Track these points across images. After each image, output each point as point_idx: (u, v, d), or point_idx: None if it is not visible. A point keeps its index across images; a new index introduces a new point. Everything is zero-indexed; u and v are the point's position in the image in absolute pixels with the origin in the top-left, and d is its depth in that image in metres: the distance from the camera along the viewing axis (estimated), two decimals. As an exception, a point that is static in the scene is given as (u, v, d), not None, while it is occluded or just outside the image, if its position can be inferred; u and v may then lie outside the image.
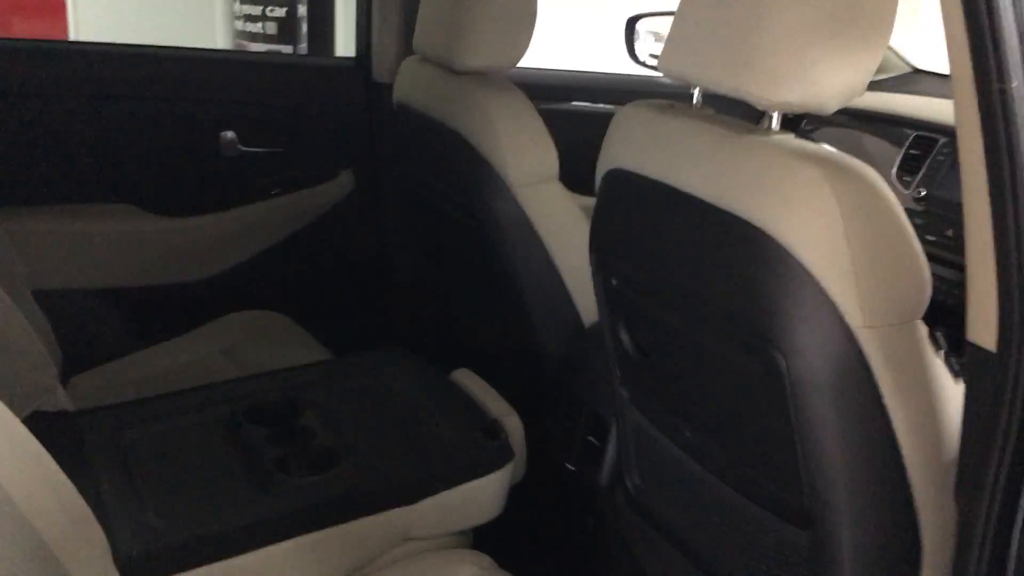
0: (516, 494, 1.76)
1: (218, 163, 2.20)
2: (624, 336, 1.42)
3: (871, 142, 2.09)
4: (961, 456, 1.03)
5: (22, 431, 1.09)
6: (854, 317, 1.03)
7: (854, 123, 2.13)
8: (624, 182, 1.30)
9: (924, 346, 1.09)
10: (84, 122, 2.10)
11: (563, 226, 1.77)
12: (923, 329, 1.09)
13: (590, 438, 1.71)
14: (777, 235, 1.04)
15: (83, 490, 1.17)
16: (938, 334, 1.12)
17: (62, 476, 1.13)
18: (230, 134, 2.18)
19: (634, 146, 1.28)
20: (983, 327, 0.94)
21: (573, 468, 1.73)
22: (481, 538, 1.63)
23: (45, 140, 2.07)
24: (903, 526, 1.12)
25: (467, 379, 1.76)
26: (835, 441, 1.08)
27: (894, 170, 1.93)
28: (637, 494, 1.53)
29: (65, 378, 1.93)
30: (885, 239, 1.03)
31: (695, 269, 1.19)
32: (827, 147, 1.11)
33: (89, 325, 2.15)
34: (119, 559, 1.24)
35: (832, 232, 1.01)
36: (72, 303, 2.12)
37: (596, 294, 1.45)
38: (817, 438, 1.09)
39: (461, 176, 1.79)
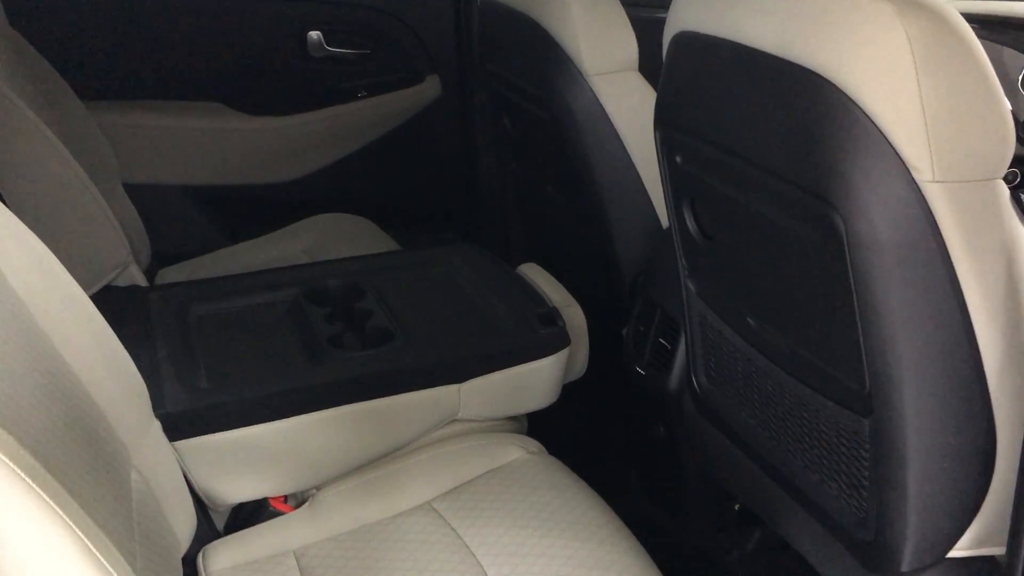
0: (585, 397, 1.72)
1: (305, 63, 2.20)
2: (689, 219, 1.36)
3: (1008, 55, 1.92)
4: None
5: (83, 299, 1.12)
6: (923, 172, 0.94)
7: (985, 32, 1.96)
8: (689, 46, 1.24)
9: (1004, 208, 0.98)
10: (174, 19, 2.13)
11: (642, 119, 1.70)
12: (1004, 190, 0.98)
13: (661, 340, 1.66)
14: (839, 81, 0.95)
15: (140, 357, 1.20)
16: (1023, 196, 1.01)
17: (122, 352, 1.17)
18: (316, 34, 2.17)
19: (698, 4, 1.20)
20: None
21: (643, 372, 1.68)
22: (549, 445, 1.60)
23: (136, 36, 2.12)
24: (974, 412, 1.03)
25: (533, 272, 1.72)
26: (898, 313, 0.99)
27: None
28: (703, 394, 1.48)
29: (153, 271, 1.99)
30: (962, 84, 0.93)
31: (757, 131, 1.11)
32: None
33: (178, 221, 2.21)
34: (164, 416, 1.26)
35: (901, 74, 0.91)
36: (162, 198, 2.18)
37: (661, 175, 1.39)
38: (879, 310, 1.00)
39: (537, 66, 1.74)
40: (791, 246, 1.12)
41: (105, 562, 0.75)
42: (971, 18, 1.75)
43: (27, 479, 0.72)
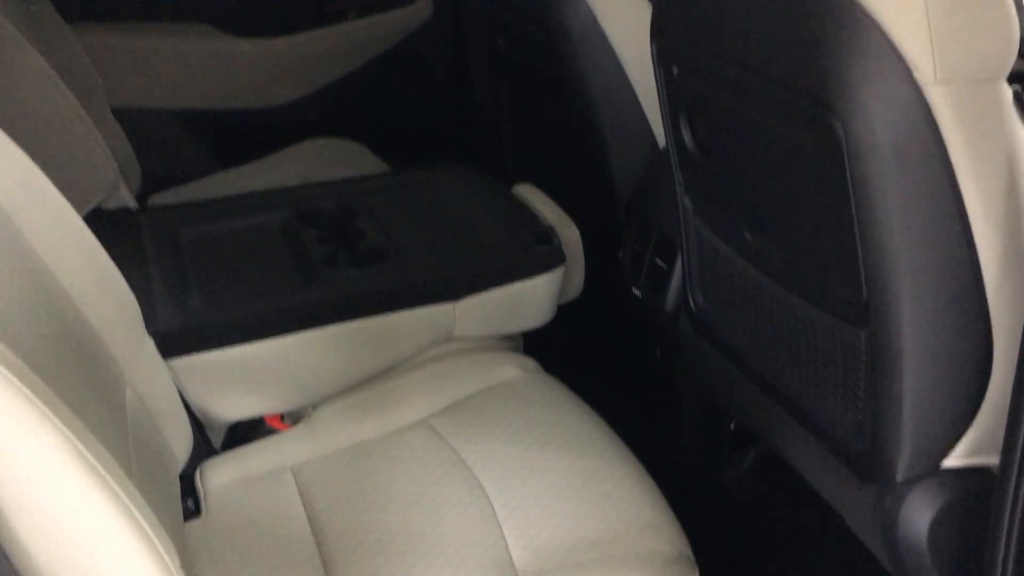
0: (581, 319, 1.72)
1: (293, -18, 2.15)
2: (685, 132, 1.34)
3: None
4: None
5: (79, 223, 1.12)
6: (924, 71, 0.92)
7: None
8: (686, -49, 1.20)
9: (1007, 112, 0.96)
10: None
11: (639, 38, 1.66)
12: (1007, 93, 0.96)
13: (658, 261, 1.65)
14: None
15: (135, 277, 1.19)
16: (1026, 99, 0.99)
17: (112, 267, 1.16)
18: (304, -48, 2.12)
19: None
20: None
21: (639, 294, 1.68)
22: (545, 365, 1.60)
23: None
24: (971, 320, 1.02)
25: (528, 192, 1.70)
26: (896, 219, 0.98)
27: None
28: (700, 313, 1.48)
29: (143, 197, 1.97)
30: (965, -23, 0.90)
31: (755, 35, 1.09)
32: None
33: (167, 146, 2.19)
34: (158, 334, 1.25)
35: None
36: (151, 123, 2.15)
37: (657, 89, 1.37)
38: (877, 216, 0.99)
39: (533, -19, 1.70)
40: (789, 155, 1.11)
41: (96, 464, 0.75)
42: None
43: (18, 383, 0.72)
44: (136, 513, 0.77)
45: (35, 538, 0.74)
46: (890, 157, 0.95)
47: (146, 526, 0.78)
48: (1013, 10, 0.93)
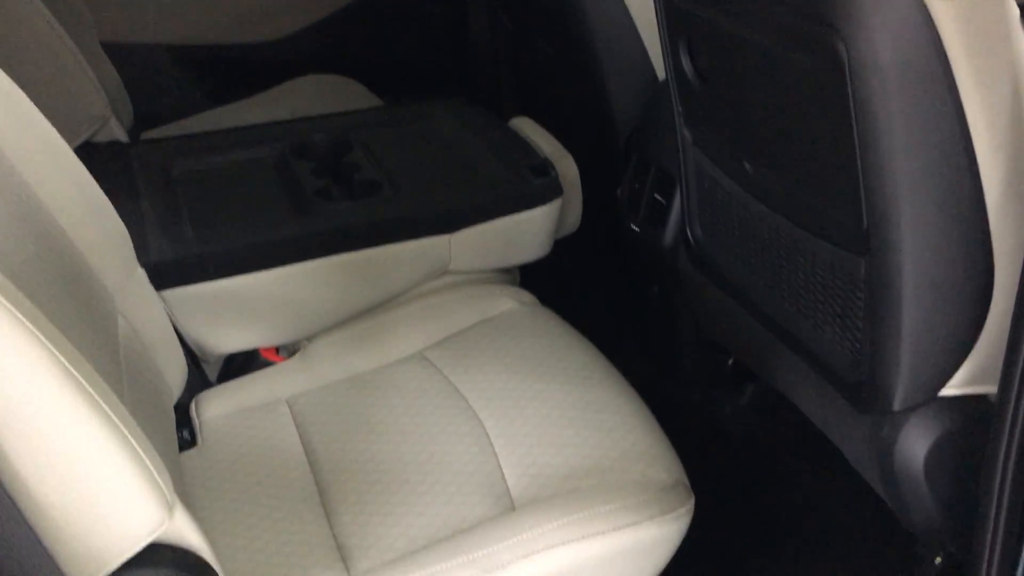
0: (579, 254, 1.70)
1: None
2: (685, 60, 1.32)
3: None
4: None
5: (68, 154, 1.11)
6: (927, -15, 0.89)
7: None
8: None
9: (1014, 29, 0.93)
10: None
11: (639, -33, 1.63)
12: (1014, 9, 0.93)
13: (656, 195, 1.63)
14: None
15: (125, 209, 1.18)
16: (1035, 17, 0.96)
17: (103, 198, 1.15)
18: None
19: None
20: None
21: (638, 230, 1.66)
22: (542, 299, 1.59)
23: None
24: (973, 246, 1.00)
25: (525, 125, 1.68)
26: (899, 141, 0.96)
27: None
28: (698, 247, 1.47)
29: (135, 134, 1.95)
30: None
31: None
32: None
33: (160, 82, 2.16)
34: (150, 265, 1.24)
35: None
36: (142, 58, 2.12)
37: (656, 16, 1.34)
38: (879, 139, 0.97)
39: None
40: (790, 79, 1.08)
41: (85, 382, 0.74)
42: None
43: (3, 300, 0.71)
44: (126, 432, 0.77)
45: (25, 459, 0.73)
46: (893, 77, 0.92)
47: (137, 446, 0.78)
48: (1023, -80, 0.91)
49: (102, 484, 0.76)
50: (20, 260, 0.87)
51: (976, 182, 0.97)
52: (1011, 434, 0.98)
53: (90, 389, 0.75)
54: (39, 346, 0.72)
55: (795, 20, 1.01)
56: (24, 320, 0.72)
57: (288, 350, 1.43)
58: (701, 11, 1.22)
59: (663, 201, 1.61)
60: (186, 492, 1.14)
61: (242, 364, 1.41)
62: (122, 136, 1.69)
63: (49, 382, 0.72)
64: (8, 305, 0.71)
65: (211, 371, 1.44)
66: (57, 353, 0.73)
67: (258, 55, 2.21)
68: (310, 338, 1.39)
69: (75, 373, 0.74)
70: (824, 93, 1.01)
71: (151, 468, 0.79)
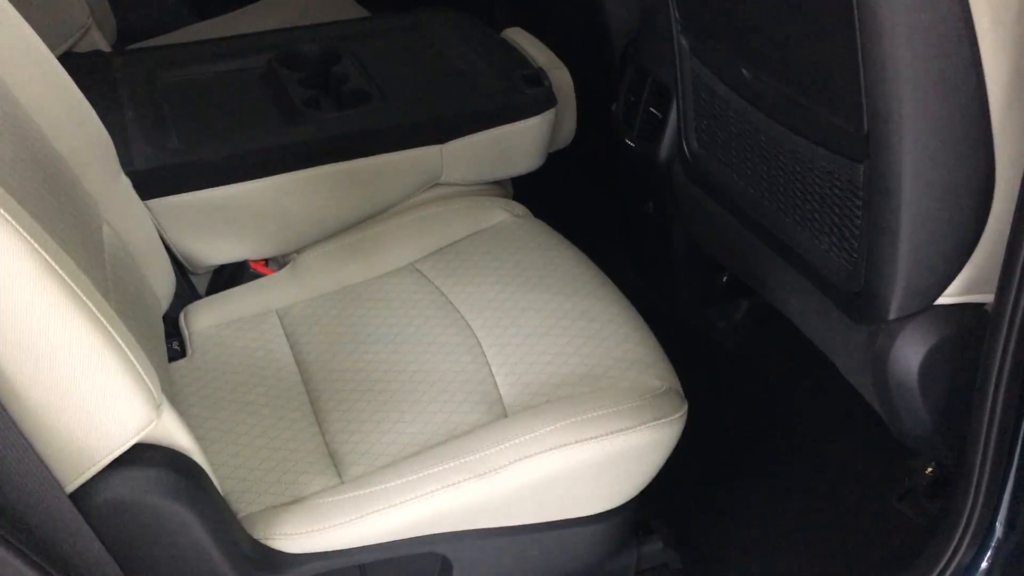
0: (573, 168, 1.68)
1: None
2: (684, -38, 1.28)
3: None
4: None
5: (51, 60, 1.08)
6: None
7: None
8: None
9: (1025, -79, 0.90)
10: None
11: None
12: (1026, -100, 0.90)
13: (652, 110, 1.60)
14: None
15: (108, 118, 1.16)
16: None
17: (85, 104, 1.13)
18: None
19: None
20: None
21: (633, 144, 1.64)
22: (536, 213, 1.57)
23: None
24: (974, 150, 0.99)
25: (518, 36, 1.64)
26: (902, 42, 0.93)
27: None
28: (694, 160, 1.45)
29: (119, 47, 1.91)
30: None
31: None
32: None
33: (141, -5, 2.10)
34: (134, 174, 1.21)
35: None
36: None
37: (655, -84, 1.30)
38: (882, 39, 0.94)
39: None
40: (792, -21, 1.06)
41: (68, 279, 0.73)
42: None
43: None
44: (111, 329, 0.76)
45: (8, 357, 0.72)
46: (898, -30, 0.90)
47: (123, 344, 0.77)
48: None
49: (88, 381, 0.75)
50: (5, 161, 0.85)
51: (980, 81, 0.95)
52: (1007, 342, 0.97)
53: (73, 286, 0.74)
54: (21, 241, 0.70)
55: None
56: (6, 215, 0.70)
57: (278, 263, 1.41)
58: (701, -90, 1.19)
59: (659, 115, 1.59)
60: (177, 401, 1.13)
61: (231, 276, 1.39)
62: (104, 47, 1.65)
63: (32, 277, 0.70)
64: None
65: (200, 283, 1.43)
66: (40, 249, 0.71)
67: (244, -34, 2.14)
68: (300, 250, 1.38)
69: (58, 270, 0.73)
70: (827, -7, 0.98)
71: (137, 366, 0.78)
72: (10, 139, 0.91)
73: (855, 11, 0.95)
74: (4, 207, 0.70)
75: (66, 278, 0.73)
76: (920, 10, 0.91)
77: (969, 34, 0.93)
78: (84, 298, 0.74)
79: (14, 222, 0.70)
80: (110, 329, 0.75)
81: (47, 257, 0.71)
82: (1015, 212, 0.93)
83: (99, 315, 0.75)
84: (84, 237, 0.97)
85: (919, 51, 0.94)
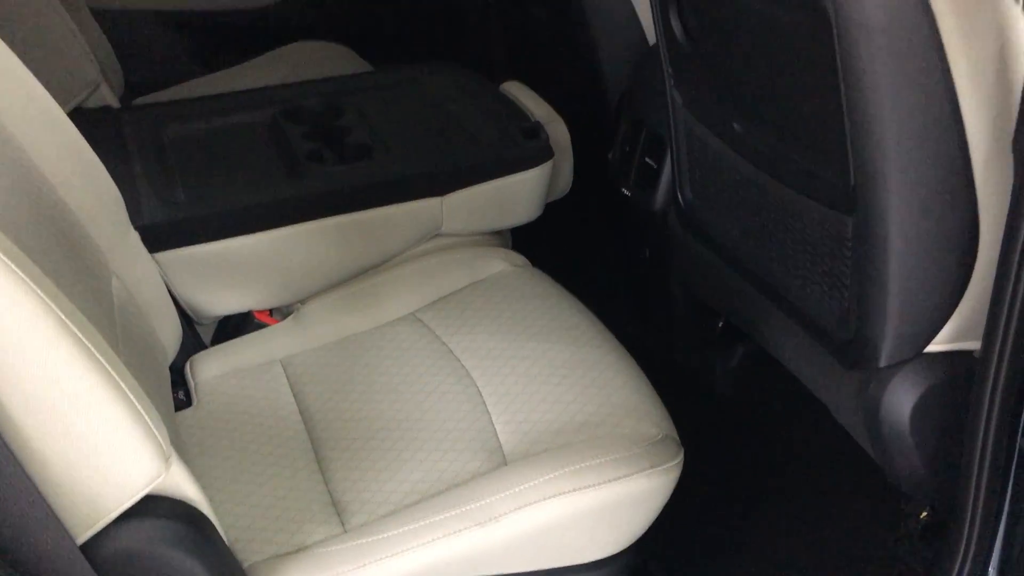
0: (571, 218, 1.71)
1: None
2: (675, 20, 1.32)
3: None
4: (1023, 104, 0.91)
5: (62, 118, 1.12)
6: (917, -56, 0.90)
7: None
8: None
9: (1001, -11, 0.94)
10: None
11: (630, -70, 1.63)
12: (1001, -32, 0.94)
13: (647, 160, 1.64)
14: None
15: (118, 173, 1.19)
16: (1020, -26, 0.97)
17: (96, 161, 1.16)
18: None
19: None
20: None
21: (629, 193, 1.67)
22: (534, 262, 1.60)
23: None
24: (958, 202, 1.02)
25: (516, 89, 1.69)
26: (886, 99, 0.97)
27: None
28: (688, 210, 1.48)
29: (126, 101, 1.95)
30: None
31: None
32: None
33: (150, 48, 2.16)
34: (142, 227, 1.25)
35: None
36: (133, 25, 2.11)
37: (647, -24, 1.34)
38: (867, 97, 0.98)
39: None
40: (779, 39, 1.09)
41: (80, 333, 0.75)
42: None
43: (3, 257, 0.72)
44: (122, 384, 0.78)
45: (23, 411, 0.74)
46: (881, 38, 0.93)
47: (133, 398, 0.79)
48: None
49: (99, 435, 0.78)
50: (16, 219, 0.88)
51: (962, 139, 0.98)
52: (993, 390, 0.99)
53: (86, 342, 0.76)
54: (35, 299, 0.73)
55: (783, -22, 1.02)
56: (20, 273, 0.72)
57: (282, 312, 1.44)
58: (691, -29, 1.23)
59: (654, 165, 1.63)
60: (183, 451, 1.15)
61: (236, 326, 1.42)
62: (113, 102, 1.69)
63: (46, 334, 0.73)
64: (5, 259, 0.72)
65: (205, 333, 1.45)
66: (53, 306, 0.74)
67: (248, 21, 2.20)
68: (303, 300, 1.40)
69: (71, 326, 0.75)
70: (812, 51, 1.02)
71: (147, 420, 0.80)
72: (24, 196, 0.94)
73: (839, 70, 0.99)
74: (20, 266, 0.73)
75: (79, 335, 0.75)
76: (902, 71, 0.95)
77: (949, 93, 0.96)
78: (97, 354, 0.76)
79: (30, 281, 0.73)
80: (122, 384, 0.78)
81: (61, 315, 0.74)
82: (998, 262, 0.95)
83: (111, 370, 0.77)
84: (94, 291, 1.00)
85: (902, 109, 0.97)
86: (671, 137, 1.47)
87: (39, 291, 0.73)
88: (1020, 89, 0.93)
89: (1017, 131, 0.93)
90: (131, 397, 0.79)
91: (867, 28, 0.94)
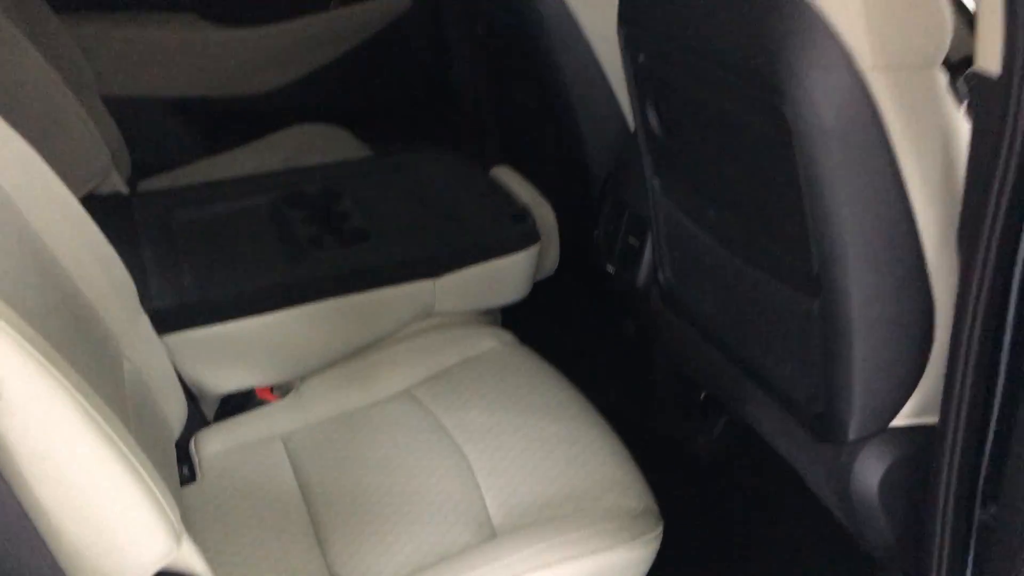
0: (557, 295, 1.78)
1: (277, -27, 2.21)
2: (652, 116, 1.41)
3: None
4: (964, 200, 0.99)
5: (75, 206, 1.17)
6: (863, 57, 0.98)
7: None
8: (651, -56, 1.27)
9: (941, 95, 1.03)
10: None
11: (609, 24, 1.72)
12: (942, 77, 1.03)
13: (630, 239, 1.71)
14: None
15: (128, 258, 1.25)
16: (960, 84, 1.06)
17: (108, 247, 1.22)
18: (288, -55, 2.18)
19: None
20: (989, 50, 0.88)
21: (613, 271, 1.75)
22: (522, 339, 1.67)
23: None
24: (914, 288, 1.09)
25: (505, 174, 1.77)
26: (842, 195, 1.05)
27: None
28: (668, 288, 1.55)
29: (133, 182, 2.03)
30: (900, -25, 0.97)
31: (713, 26, 1.15)
32: None
33: (156, 133, 2.24)
34: (152, 311, 1.31)
35: None
36: (139, 111, 2.20)
37: (625, 74, 1.43)
38: (824, 193, 1.05)
39: (508, -24, 1.76)
40: (745, 137, 1.17)
41: (104, 423, 0.81)
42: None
43: (31, 349, 0.78)
44: (140, 468, 0.84)
45: (46, 490, 0.79)
46: (835, 139, 1.01)
47: (149, 481, 0.85)
48: (944, 2, 1.00)
49: (117, 515, 0.83)
50: (37, 306, 0.94)
51: (913, 230, 1.06)
52: (951, 462, 1.04)
53: (105, 425, 0.82)
54: (63, 391, 0.79)
55: (746, 84, 1.11)
56: (48, 364, 0.78)
57: (282, 389, 1.50)
58: (665, 72, 1.32)
59: (636, 243, 1.69)
60: (188, 525, 1.20)
61: (238, 403, 1.48)
62: (122, 188, 1.77)
63: (69, 419, 0.78)
64: (31, 350, 0.78)
65: (208, 409, 1.51)
66: (81, 399, 0.80)
67: (250, 106, 2.30)
68: (303, 378, 1.47)
69: (91, 410, 0.81)
70: (774, 150, 1.10)
71: (161, 500, 0.86)
72: (43, 283, 1.00)
73: (799, 168, 1.07)
74: (49, 359, 0.79)
75: (99, 418, 0.81)
76: (856, 171, 1.03)
77: (900, 190, 1.04)
78: (115, 437, 0.82)
79: (53, 369, 0.79)
80: (137, 465, 0.84)
81: (83, 400, 0.80)
82: (950, 343, 1.02)
83: (127, 452, 0.83)
84: (108, 373, 1.06)
85: (857, 204, 1.05)
86: (652, 220, 1.55)
87: (63, 378, 0.79)
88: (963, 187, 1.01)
89: (960, 226, 1.01)
90: (145, 477, 0.84)
91: (823, 132, 1.02)
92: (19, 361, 0.76)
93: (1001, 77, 0.87)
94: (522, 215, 1.62)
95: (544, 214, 1.67)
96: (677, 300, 1.53)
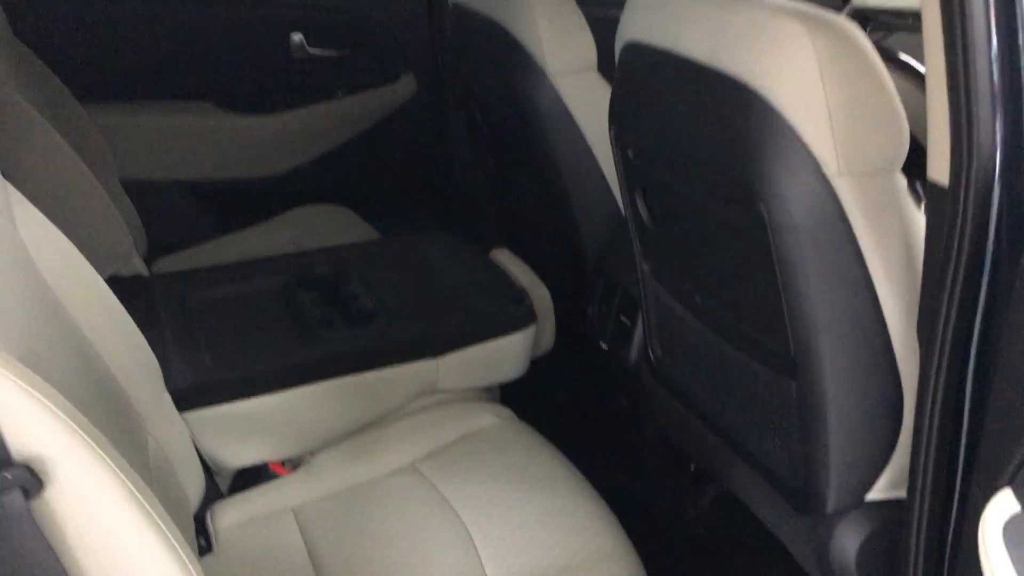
0: (553, 371, 1.86)
1: (288, 64, 2.33)
2: (641, 207, 1.49)
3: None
4: (921, 297, 1.07)
5: (105, 289, 1.23)
6: (830, 165, 1.08)
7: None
8: (637, 55, 1.37)
9: (901, 196, 1.12)
10: (167, 24, 2.25)
11: (602, 116, 1.83)
12: (902, 180, 1.13)
13: (622, 318, 1.79)
14: (760, 89, 1.09)
15: (150, 338, 1.31)
16: (919, 186, 1.16)
17: (135, 330, 1.28)
18: (298, 36, 2.30)
19: (646, 17, 1.34)
20: (939, 163, 0.98)
21: (606, 347, 1.83)
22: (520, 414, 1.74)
23: (129, 42, 2.24)
24: (883, 373, 1.16)
25: (504, 257, 1.86)
26: (814, 285, 1.13)
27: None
28: (659, 365, 1.62)
29: (150, 261, 2.12)
30: (862, 89, 1.07)
31: (694, 132, 1.25)
32: (815, 7, 1.15)
33: (172, 214, 2.33)
34: (173, 390, 1.39)
35: (809, 80, 1.05)
36: (156, 193, 2.29)
37: (616, 167, 1.52)
38: (798, 283, 1.14)
39: (505, 68, 1.87)
40: (726, 230, 1.26)
41: (143, 500, 0.88)
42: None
43: (82, 434, 0.85)
44: (176, 546, 0.91)
45: (95, 567, 0.85)
46: (806, 236, 1.10)
47: (184, 557, 0.92)
48: (902, 111, 1.11)
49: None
50: (78, 389, 1.01)
51: (880, 318, 1.14)
52: (918, 535, 1.10)
53: (147, 506, 0.87)
54: (109, 472, 0.85)
55: (726, 184, 1.20)
56: (95, 446, 0.84)
57: (293, 463, 1.57)
58: (652, 168, 1.41)
59: (628, 322, 1.77)
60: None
61: (252, 476, 1.55)
62: (143, 269, 1.86)
63: (116, 499, 0.83)
64: (81, 433, 0.85)
65: (223, 482, 1.58)
66: (123, 476, 0.86)
67: (261, 188, 2.40)
68: (313, 452, 1.54)
69: (135, 492, 0.87)
70: (752, 244, 1.18)
71: (194, 573, 0.92)
72: (83, 368, 1.07)
73: (774, 261, 1.16)
74: (95, 440, 0.87)
75: (141, 500, 0.88)
76: (826, 263, 1.11)
77: (867, 281, 1.12)
78: (155, 517, 0.89)
79: (103, 454, 0.86)
80: (174, 543, 0.90)
81: (128, 483, 0.87)
82: (914, 424, 1.10)
83: (166, 531, 0.90)
84: (138, 452, 1.13)
85: (828, 294, 1.13)
86: (642, 301, 1.62)
87: (108, 459, 0.86)
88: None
89: (920, 317, 1.10)
90: (180, 552, 0.91)
91: (794, 228, 1.10)
92: (69, 444, 0.82)
93: (949, 187, 0.97)
94: (520, 297, 1.71)
95: (541, 295, 1.76)
96: (667, 376, 1.59)
